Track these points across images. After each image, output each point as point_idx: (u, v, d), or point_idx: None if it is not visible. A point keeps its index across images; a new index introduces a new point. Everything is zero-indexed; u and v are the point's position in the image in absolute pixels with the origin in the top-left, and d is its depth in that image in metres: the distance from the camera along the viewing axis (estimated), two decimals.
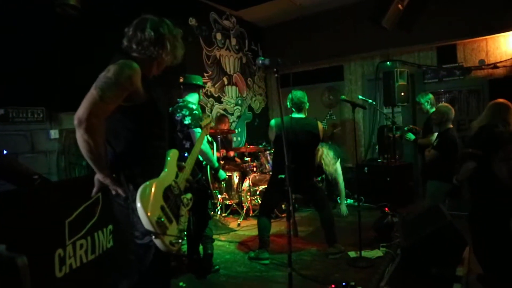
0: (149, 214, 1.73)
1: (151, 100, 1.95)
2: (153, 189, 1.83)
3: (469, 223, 3.46)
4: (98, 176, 1.83)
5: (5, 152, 3.27)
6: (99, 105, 1.68)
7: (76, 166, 4.36)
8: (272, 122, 4.24)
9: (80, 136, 1.67)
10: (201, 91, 4.01)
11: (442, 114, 4.34)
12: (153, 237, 1.75)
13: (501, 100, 3.49)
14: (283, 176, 2.60)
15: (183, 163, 2.25)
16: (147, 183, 1.81)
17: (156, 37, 1.96)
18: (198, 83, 3.95)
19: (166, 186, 1.96)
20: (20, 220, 2.29)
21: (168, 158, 2.10)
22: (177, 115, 3.67)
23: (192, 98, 3.84)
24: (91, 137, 1.66)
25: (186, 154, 3.31)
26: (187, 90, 3.89)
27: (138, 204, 1.72)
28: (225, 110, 7.15)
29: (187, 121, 3.60)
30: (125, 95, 1.80)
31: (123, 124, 1.90)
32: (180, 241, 1.91)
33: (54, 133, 4.15)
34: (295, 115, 4.29)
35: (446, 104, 4.68)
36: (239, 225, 5.52)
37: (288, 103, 4.34)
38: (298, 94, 4.29)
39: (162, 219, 1.79)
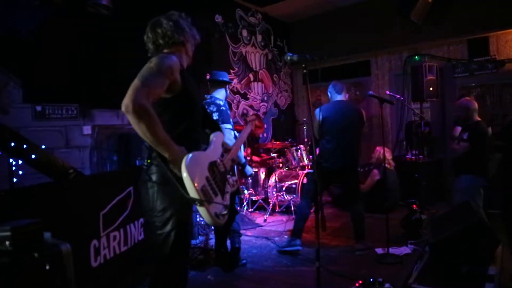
0: (195, 180, 1.80)
1: (187, 91, 2.06)
2: (198, 159, 1.91)
3: (504, 219, 3.37)
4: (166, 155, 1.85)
5: (43, 147, 3.42)
6: (142, 90, 1.76)
7: (107, 160, 4.50)
8: (317, 110, 4.25)
9: (131, 121, 1.75)
10: (227, 87, 4.06)
11: (464, 108, 4.26)
12: (198, 204, 1.81)
13: None
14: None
15: (229, 145, 2.39)
16: (192, 154, 1.86)
17: (174, 24, 2.13)
18: (224, 79, 4.00)
19: (211, 161, 2.05)
20: (58, 211, 2.40)
21: (213, 138, 2.25)
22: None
23: (220, 95, 3.90)
24: (141, 119, 1.72)
25: None
26: (214, 87, 3.96)
27: (184, 174, 1.78)
28: (251, 106, 7.20)
29: (215, 117, 3.66)
30: (167, 84, 1.90)
31: (158, 116, 1.96)
32: (225, 213, 1.97)
33: (87, 129, 4.29)
34: (337, 96, 4.38)
35: (466, 98, 4.56)
36: (265, 220, 5.56)
37: (329, 91, 4.49)
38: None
39: (208, 188, 1.85)
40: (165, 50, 2.12)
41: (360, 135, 4.39)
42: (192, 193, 1.79)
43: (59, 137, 4.05)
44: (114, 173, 3.90)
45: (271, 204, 5.92)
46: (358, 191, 4.41)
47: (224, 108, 3.72)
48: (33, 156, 3.17)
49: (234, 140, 3.71)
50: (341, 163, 4.11)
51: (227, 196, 2.13)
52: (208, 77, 4.13)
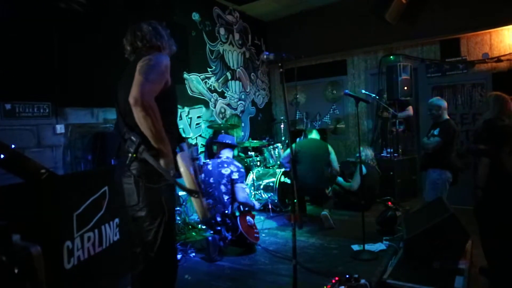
0: (192, 174, 1.98)
1: (173, 89, 2.22)
2: (186, 157, 2.09)
3: (477, 216, 3.47)
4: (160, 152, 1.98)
5: (12, 146, 3.31)
6: (147, 85, 1.90)
7: (81, 160, 4.39)
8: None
9: (138, 114, 1.86)
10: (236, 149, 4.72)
11: (437, 106, 4.40)
12: (195, 196, 1.98)
13: (499, 92, 3.51)
14: None
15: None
16: (183, 153, 2.08)
17: (153, 28, 2.26)
18: (234, 143, 4.53)
19: (192, 158, 2.21)
20: (29, 212, 2.34)
21: (184, 145, 2.35)
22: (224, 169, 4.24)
23: (231, 154, 4.49)
24: (148, 113, 1.86)
25: (227, 211, 4.11)
26: (221, 147, 4.49)
27: (182, 168, 1.99)
28: (228, 105, 7.18)
29: (235, 176, 4.22)
30: (164, 82, 2.03)
31: None
32: (212, 208, 2.20)
33: (60, 128, 4.18)
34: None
35: (436, 97, 4.72)
36: None
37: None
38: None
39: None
40: (143, 52, 2.18)
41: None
42: (191, 185, 1.97)
43: (30, 136, 3.92)
44: (88, 173, 3.82)
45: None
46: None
47: (243, 169, 4.32)
48: (2, 156, 3.06)
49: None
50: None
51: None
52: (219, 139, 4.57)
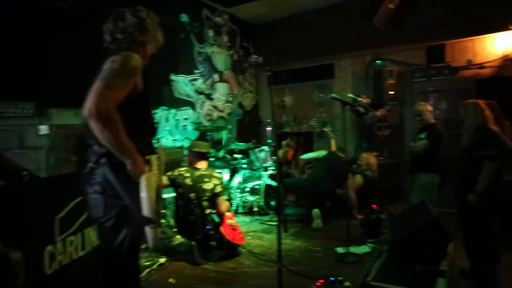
0: (152, 202, 1.77)
1: (145, 93, 1.98)
2: (152, 182, 1.85)
3: (464, 219, 3.51)
4: (127, 164, 1.80)
5: None
6: (106, 93, 1.69)
7: (65, 162, 4.33)
8: None
9: (94, 126, 1.68)
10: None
11: (422, 111, 4.48)
12: (151, 226, 1.78)
13: (476, 100, 3.60)
14: None
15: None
16: (148, 174, 1.82)
17: (138, 21, 2.03)
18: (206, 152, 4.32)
19: (157, 184, 1.99)
20: (9, 216, 2.29)
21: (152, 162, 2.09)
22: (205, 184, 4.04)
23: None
24: (106, 126, 1.66)
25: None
26: (199, 158, 4.25)
27: (144, 194, 1.75)
28: (215, 107, 7.16)
29: (219, 189, 4.07)
30: (131, 86, 1.83)
31: None
32: (166, 239, 1.99)
33: (43, 129, 4.11)
34: None
35: (420, 103, 4.80)
36: None
37: None
38: None
39: (162, 211, 1.85)
40: (123, 46, 2.00)
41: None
42: (149, 214, 1.76)
43: (12, 137, 3.85)
44: (72, 175, 3.76)
45: (234, 205, 5.91)
46: None
47: (223, 179, 4.23)
48: None
49: None
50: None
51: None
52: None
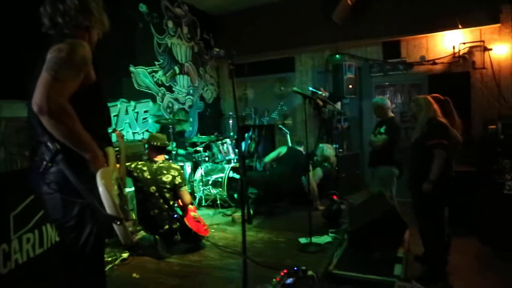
0: (114, 198, 1.67)
1: (98, 84, 1.86)
2: (109, 176, 1.76)
3: (419, 207, 3.69)
4: (87, 158, 1.68)
5: None
6: (55, 85, 1.55)
7: (18, 157, 4.11)
8: None
9: (46, 123, 1.54)
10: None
11: (381, 106, 4.68)
12: (117, 223, 1.68)
13: (425, 95, 3.87)
14: None
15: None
16: (104, 169, 1.71)
17: (81, 4, 1.83)
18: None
19: (115, 177, 1.92)
20: None
21: (109, 152, 2.01)
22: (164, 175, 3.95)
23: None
24: (60, 120, 1.54)
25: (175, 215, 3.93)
26: (157, 151, 4.14)
27: (101, 189, 1.63)
28: (176, 99, 7.05)
29: (179, 180, 3.97)
30: (82, 77, 1.69)
31: None
32: (136, 232, 1.91)
33: None
34: None
35: (380, 96, 4.99)
36: None
37: None
38: None
39: (125, 206, 1.77)
40: (65, 31, 1.80)
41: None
42: (112, 210, 1.65)
43: None
44: (25, 170, 3.58)
45: (197, 198, 5.88)
46: None
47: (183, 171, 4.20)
48: None
49: None
50: None
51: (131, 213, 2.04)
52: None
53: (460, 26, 5.99)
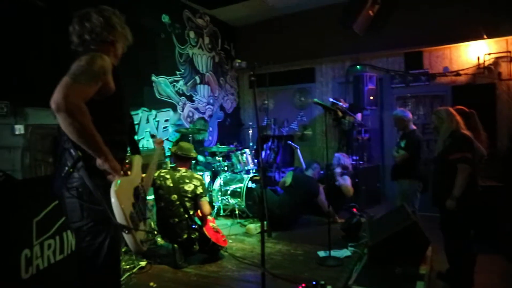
0: (123, 207, 1.73)
1: (118, 95, 1.94)
2: (126, 185, 1.83)
3: (441, 224, 3.57)
4: (97, 162, 1.76)
5: None
6: (74, 86, 1.64)
7: (42, 163, 4.21)
8: None
9: (63, 121, 1.61)
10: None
11: (402, 118, 4.60)
12: (126, 232, 1.74)
13: (446, 107, 3.73)
14: None
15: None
16: (120, 179, 1.79)
17: (105, 20, 1.98)
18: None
19: (135, 186, 1.98)
20: None
21: (135, 162, 2.14)
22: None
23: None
24: (75, 119, 1.60)
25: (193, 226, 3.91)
26: (182, 161, 4.18)
27: (113, 199, 1.71)
28: (196, 109, 7.11)
29: (200, 190, 3.99)
30: (99, 85, 1.77)
31: None
32: (148, 241, 1.92)
33: (19, 129, 3.98)
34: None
35: (400, 109, 4.90)
36: None
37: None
38: None
39: (135, 215, 1.80)
40: (92, 47, 1.96)
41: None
42: (121, 219, 1.72)
43: None
44: (49, 177, 3.65)
45: (216, 208, 5.88)
46: None
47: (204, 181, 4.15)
48: None
49: None
50: None
51: (148, 221, 2.06)
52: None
53: (485, 37, 5.87)
